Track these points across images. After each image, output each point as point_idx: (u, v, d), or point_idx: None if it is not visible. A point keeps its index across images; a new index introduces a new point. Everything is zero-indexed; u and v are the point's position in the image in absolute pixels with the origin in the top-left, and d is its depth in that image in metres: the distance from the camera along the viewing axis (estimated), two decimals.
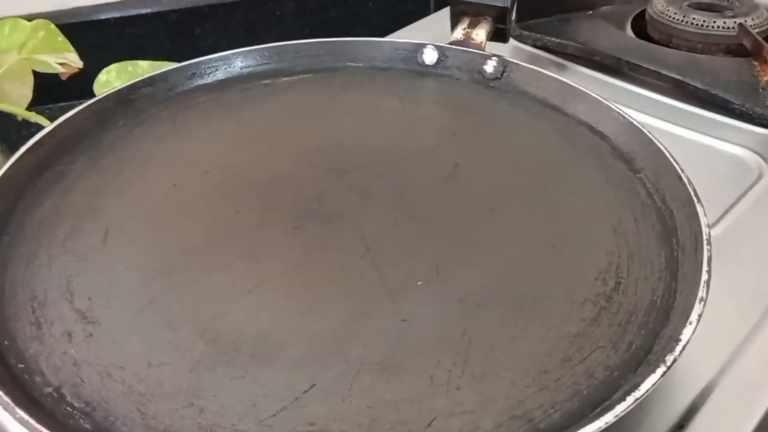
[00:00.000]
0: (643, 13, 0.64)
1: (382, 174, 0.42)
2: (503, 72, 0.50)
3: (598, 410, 0.28)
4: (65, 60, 0.56)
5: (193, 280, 0.35)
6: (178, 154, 0.44)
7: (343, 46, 0.52)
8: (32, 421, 0.26)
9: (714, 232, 0.43)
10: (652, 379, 0.28)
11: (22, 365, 0.30)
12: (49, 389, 0.29)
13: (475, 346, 0.31)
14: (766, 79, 0.53)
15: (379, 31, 0.61)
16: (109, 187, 0.41)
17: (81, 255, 0.36)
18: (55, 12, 0.67)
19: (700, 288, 0.31)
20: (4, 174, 0.39)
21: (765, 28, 0.58)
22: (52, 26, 0.56)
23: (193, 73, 0.50)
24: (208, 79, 0.50)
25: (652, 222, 0.38)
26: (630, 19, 0.64)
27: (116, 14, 0.72)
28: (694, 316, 0.30)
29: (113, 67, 0.56)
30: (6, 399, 0.27)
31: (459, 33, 0.53)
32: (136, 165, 0.42)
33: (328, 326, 0.32)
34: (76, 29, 0.62)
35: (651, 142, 0.41)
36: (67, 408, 0.29)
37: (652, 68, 0.55)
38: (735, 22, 0.58)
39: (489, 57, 0.50)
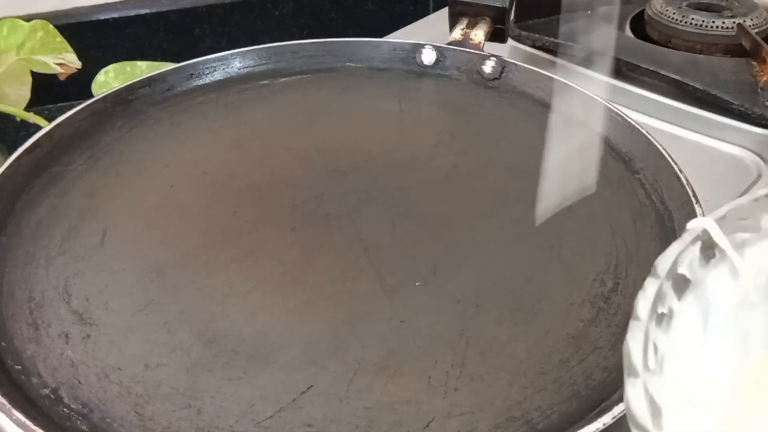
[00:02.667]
0: (641, 13, 0.64)
1: (380, 175, 0.42)
2: (502, 72, 0.50)
3: (596, 411, 0.28)
4: (63, 60, 0.55)
5: (190, 281, 0.35)
6: (176, 155, 0.43)
7: (341, 46, 0.52)
8: (29, 423, 0.26)
9: None
10: None
11: (19, 366, 0.30)
12: (47, 390, 0.29)
13: (473, 347, 0.31)
14: (764, 79, 0.53)
15: (378, 31, 0.61)
16: (107, 188, 0.41)
17: (78, 256, 0.36)
18: (53, 12, 0.67)
19: None
20: (1, 175, 0.39)
21: (764, 28, 0.58)
22: (51, 27, 0.56)
23: (192, 74, 0.50)
24: (207, 80, 0.50)
25: (651, 222, 0.38)
26: (629, 20, 0.64)
27: (115, 15, 0.72)
28: None
29: (111, 67, 0.56)
30: (3, 400, 0.27)
31: (457, 33, 0.53)
32: (134, 166, 0.42)
33: (326, 327, 0.32)
34: (74, 30, 0.62)
35: (649, 143, 0.41)
36: (64, 409, 0.29)
37: (650, 68, 0.55)
38: (734, 23, 0.58)
39: (487, 57, 0.50)
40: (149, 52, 0.63)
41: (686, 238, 0.24)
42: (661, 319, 0.22)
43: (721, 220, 0.24)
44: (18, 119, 0.55)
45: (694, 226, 0.24)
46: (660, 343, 0.21)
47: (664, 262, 0.23)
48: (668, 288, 0.23)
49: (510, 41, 0.60)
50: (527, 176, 0.42)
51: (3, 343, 0.31)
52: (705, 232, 0.24)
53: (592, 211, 0.39)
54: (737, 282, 0.24)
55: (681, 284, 0.23)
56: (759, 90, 0.52)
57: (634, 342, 0.21)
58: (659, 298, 0.22)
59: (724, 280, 0.24)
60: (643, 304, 0.22)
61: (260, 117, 0.48)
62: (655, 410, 0.20)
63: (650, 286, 0.22)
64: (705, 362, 0.23)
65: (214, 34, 0.76)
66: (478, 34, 0.53)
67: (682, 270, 0.23)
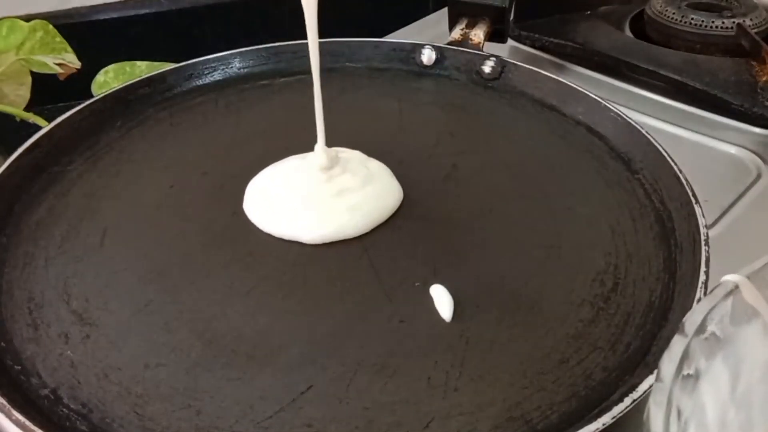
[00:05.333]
0: (641, 13, 0.64)
1: None
2: (501, 72, 0.50)
3: (595, 411, 0.28)
4: (63, 60, 0.55)
5: (190, 281, 0.35)
6: (175, 155, 0.43)
7: (341, 46, 0.52)
8: (29, 423, 0.26)
9: (712, 232, 0.43)
10: (650, 380, 0.28)
11: (19, 367, 0.30)
12: (46, 391, 0.29)
13: (472, 347, 0.31)
14: (764, 79, 0.53)
15: (378, 31, 0.61)
16: (107, 188, 0.41)
17: (78, 256, 0.36)
18: (53, 12, 0.67)
19: (698, 289, 0.31)
20: (1, 175, 0.39)
21: (763, 28, 0.58)
22: (50, 27, 0.56)
23: (191, 74, 0.50)
24: (206, 80, 0.50)
25: (651, 223, 0.38)
26: (628, 20, 0.64)
27: (114, 15, 0.72)
28: None
29: (111, 67, 0.56)
30: (2, 400, 0.27)
31: (457, 33, 0.53)
32: (133, 166, 0.42)
33: (325, 328, 0.32)
34: (74, 30, 0.62)
35: (649, 143, 0.41)
36: (64, 410, 0.29)
37: (650, 68, 0.55)
38: (733, 22, 0.58)
39: (487, 57, 0.50)
40: (149, 52, 0.63)
41: (717, 293, 0.22)
42: (687, 381, 0.20)
43: (755, 275, 0.23)
44: (18, 119, 0.55)
45: (726, 281, 0.22)
46: (684, 407, 0.20)
47: (693, 318, 0.21)
48: (696, 346, 0.21)
49: (510, 41, 0.60)
50: (527, 176, 0.42)
51: (3, 344, 0.31)
52: (737, 287, 0.22)
53: (592, 211, 0.39)
54: None
55: (710, 343, 0.21)
56: (758, 90, 0.52)
57: (656, 407, 0.19)
58: (686, 357, 0.20)
59: (757, 337, 0.22)
60: (668, 364, 0.20)
61: (260, 117, 0.48)
62: None
63: (677, 345, 0.20)
64: (732, 425, 0.22)
65: (214, 34, 0.76)
66: (478, 34, 0.53)
67: (712, 327, 0.21)
